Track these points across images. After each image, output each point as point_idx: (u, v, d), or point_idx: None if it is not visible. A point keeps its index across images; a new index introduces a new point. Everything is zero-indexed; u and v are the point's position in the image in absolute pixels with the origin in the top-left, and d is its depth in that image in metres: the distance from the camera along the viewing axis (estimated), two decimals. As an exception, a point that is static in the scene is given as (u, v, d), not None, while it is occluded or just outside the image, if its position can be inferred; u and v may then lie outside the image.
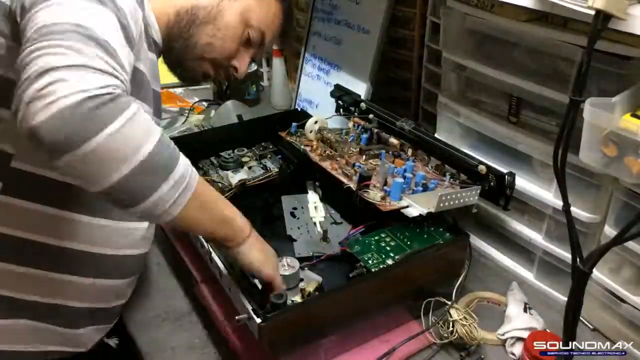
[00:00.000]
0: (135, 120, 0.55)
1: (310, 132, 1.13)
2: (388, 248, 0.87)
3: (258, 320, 0.70)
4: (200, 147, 1.14)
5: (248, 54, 0.91)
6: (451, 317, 0.82)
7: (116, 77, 0.56)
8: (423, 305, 0.85)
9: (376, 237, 0.89)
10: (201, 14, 0.84)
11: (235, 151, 1.16)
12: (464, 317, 0.82)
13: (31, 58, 0.53)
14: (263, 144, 1.21)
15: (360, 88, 1.29)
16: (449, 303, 0.83)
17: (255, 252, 0.75)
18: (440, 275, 0.88)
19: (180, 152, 0.63)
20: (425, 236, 0.89)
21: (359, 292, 0.79)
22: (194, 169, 0.65)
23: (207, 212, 0.69)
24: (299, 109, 1.34)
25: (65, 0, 0.59)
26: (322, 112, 1.40)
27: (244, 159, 1.15)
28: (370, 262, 0.84)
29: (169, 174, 0.59)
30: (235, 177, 1.09)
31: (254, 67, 1.70)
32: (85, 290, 0.78)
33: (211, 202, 0.70)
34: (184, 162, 0.62)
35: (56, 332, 0.78)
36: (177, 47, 0.85)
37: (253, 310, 0.71)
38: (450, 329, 0.82)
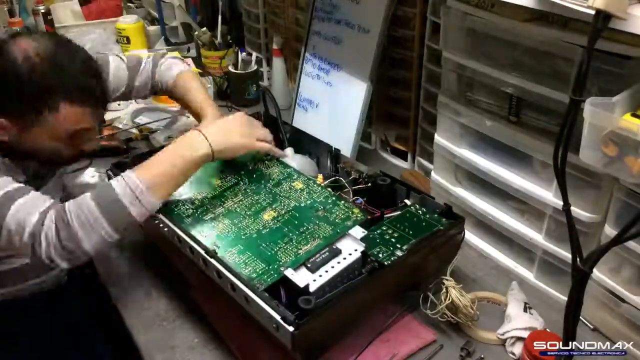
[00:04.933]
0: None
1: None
2: (393, 240, 0.88)
3: (290, 329, 0.67)
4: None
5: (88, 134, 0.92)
6: (444, 284, 0.85)
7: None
8: (421, 296, 0.86)
9: (378, 231, 0.89)
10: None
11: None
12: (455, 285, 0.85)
13: None
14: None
15: (360, 88, 1.29)
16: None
17: (220, 137, 0.91)
18: (443, 258, 0.90)
19: (117, 177, 0.84)
20: (424, 224, 0.90)
21: (378, 285, 0.81)
22: (129, 175, 0.83)
23: (168, 179, 0.86)
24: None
25: None
26: (322, 112, 1.40)
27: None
28: (380, 255, 0.84)
29: (124, 208, 0.82)
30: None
31: (254, 67, 1.70)
32: None
33: (164, 174, 0.86)
34: (121, 189, 0.82)
35: None
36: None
37: (282, 318, 0.69)
38: (445, 302, 0.84)
